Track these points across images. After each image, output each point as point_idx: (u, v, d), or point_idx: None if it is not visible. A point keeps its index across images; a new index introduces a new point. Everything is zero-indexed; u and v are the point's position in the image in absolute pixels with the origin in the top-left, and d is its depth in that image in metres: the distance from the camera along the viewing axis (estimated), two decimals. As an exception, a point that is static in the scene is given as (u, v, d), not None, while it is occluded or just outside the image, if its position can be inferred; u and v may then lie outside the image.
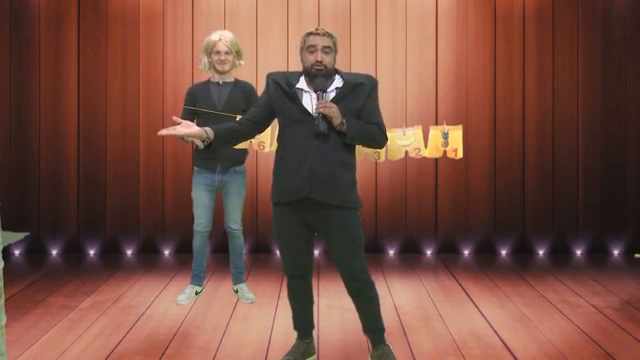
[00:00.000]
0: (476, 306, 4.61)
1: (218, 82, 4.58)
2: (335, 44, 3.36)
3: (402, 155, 4.24)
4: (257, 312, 4.45)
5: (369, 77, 3.41)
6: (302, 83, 3.35)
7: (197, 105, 4.51)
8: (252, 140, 4.23)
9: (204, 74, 4.86)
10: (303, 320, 3.57)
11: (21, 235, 3.48)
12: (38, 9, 6.29)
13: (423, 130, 4.23)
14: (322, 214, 3.28)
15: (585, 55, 6.36)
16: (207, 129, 3.30)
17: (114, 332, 4.02)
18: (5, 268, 2.64)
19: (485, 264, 5.98)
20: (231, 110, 4.40)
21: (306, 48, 3.33)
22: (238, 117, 3.87)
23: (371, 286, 3.37)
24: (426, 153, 4.24)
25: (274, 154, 3.46)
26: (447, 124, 4.28)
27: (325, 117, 3.23)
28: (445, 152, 4.25)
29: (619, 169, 6.38)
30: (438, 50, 6.34)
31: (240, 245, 4.75)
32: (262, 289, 4.99)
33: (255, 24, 6.30)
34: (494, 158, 6.37)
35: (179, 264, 5.87)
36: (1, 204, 5.94)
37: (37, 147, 6.29)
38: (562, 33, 6.35)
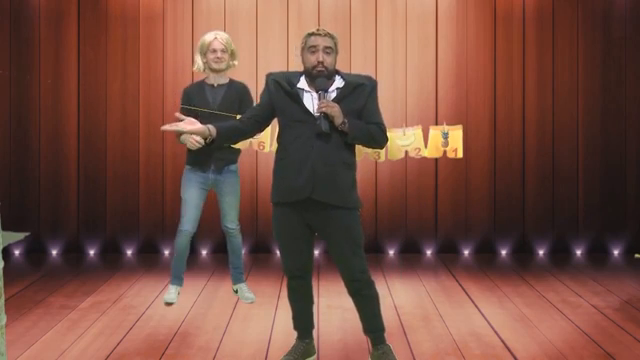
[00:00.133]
0: (476, 306, 4.61)
1: (213, 84, 4.55)
2: (336, 44, 3.36)
3: (402, 155, 4.24)
4: (257, 312, 4.45)
5: (369, 78, 3.42)
6: (303, 83, 3.35)
7: (193, 106, 4.49)
8: (252, 140, 4.24)
9: (203, 74, 4.85)
10: (303, 320, 3.56)
11: (21, 235, 3.47)
12: (38, 9, 6.28)
13: (423, 130, 4.24)
14: (323, 214, 3.28)
15: (585, 55, 6.36)
16: (210, 126, 3.30)
17: (114, 332, 4.02)
18: (5, 268, 2.63)
19: (485, 264, 5.98)
20: (226, 111, 4.40)
21: (307, 48, 3.33)
22: (238, 117, 3.86)
23: (371, 286, 3.37)
24: (426, 153, 4.24)
25: (274, 154, 3.46)
26: (447, 124, 4.28)
27: (327, 117, 3.23)
28: (445, 152, 4.25)
29: (619, 169, 6.38)
30: (438, 50, 6.34)
31: (238, 244, 4.71)
32: (262, 289, 4.99)
33: (255, 24, 6.30)
34: (494, 158, 6.37)
35: (179, 264, 5.87)
36: (1, 204, 5.93)
37: (37, 147, 6.29)
38: (562, 33, 6.35)
